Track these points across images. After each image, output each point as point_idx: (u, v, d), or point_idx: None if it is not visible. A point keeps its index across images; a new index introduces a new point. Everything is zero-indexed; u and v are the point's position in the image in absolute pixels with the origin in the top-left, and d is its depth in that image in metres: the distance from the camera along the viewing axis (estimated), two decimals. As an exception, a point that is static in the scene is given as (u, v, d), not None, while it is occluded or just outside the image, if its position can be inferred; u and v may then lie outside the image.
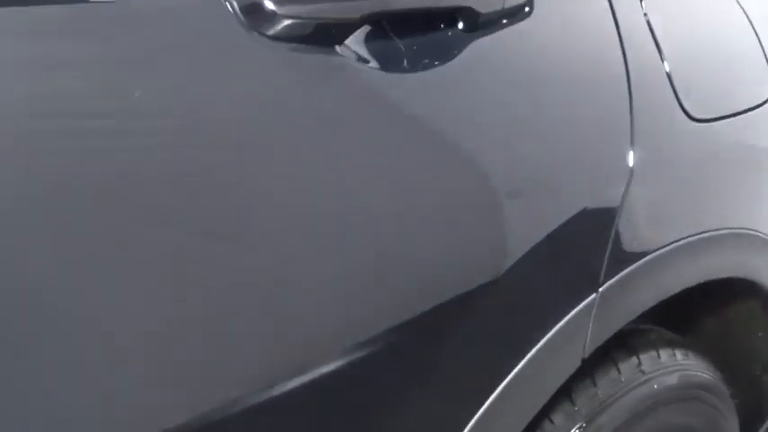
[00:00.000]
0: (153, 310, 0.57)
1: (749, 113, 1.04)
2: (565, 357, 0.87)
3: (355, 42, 0.68)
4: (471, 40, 0.75)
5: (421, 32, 0.73)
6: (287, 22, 0.63)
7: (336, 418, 0.69)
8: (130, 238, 0.55)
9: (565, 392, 0.92)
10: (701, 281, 1.01)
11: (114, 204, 0.55)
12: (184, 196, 0.58)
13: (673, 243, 0.94)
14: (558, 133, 0.82)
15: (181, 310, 0.58)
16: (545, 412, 0.91)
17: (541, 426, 0.92)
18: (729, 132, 1.02)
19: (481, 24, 0.76)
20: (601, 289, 0.87)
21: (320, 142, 0.65)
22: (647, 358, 1.00)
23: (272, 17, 0.63)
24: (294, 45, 0.64)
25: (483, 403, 0.78)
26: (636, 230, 0.90)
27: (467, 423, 0.77)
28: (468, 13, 0.75)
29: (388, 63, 0.69)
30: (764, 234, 1.09)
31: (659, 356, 1.02)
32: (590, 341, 0.89)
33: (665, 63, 0.94)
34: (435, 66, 0.72)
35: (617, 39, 0.89)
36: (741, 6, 1.10)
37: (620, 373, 0.98)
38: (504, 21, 0.79)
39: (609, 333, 0.91)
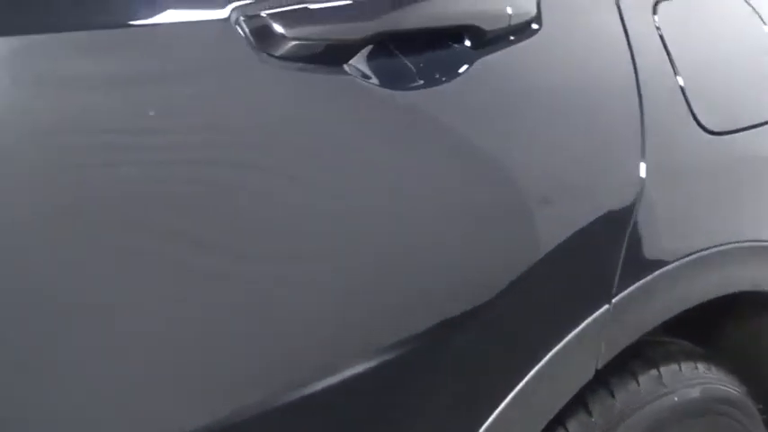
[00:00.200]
0: (156, 313, 0.60)
1: (765, 126, 1.04)
2: (578, 367, 0.87)
3: (362, 61, 0.70)
4: (478, 57, 0.77)
5: (428, 50, 0.75)
6: (294, 43, 0.66)
7: (347, 423, 0.71)
8: (139, 246, 0.59)
9: (581, 403, 0.92)
10: (716, 295, 1.00)
11: (127, 214, 0.59)
12: (197, 211, 0.61)
13: (686, 256, 0.94)
14: (567, 148, 0.83)
15: (183, 311, 0.61)
16: (561, 422, 0.91)
17: (558, 436, 0.93)
18: (744, 145, 1.01)
19: (488, 41, 0.78)
20: (614, 300, 0.88)
21: (329, 158, 0.68)
22: (667, 371, 0.99)
23: (281, 39, 0.66)
24: (302, 65, 0.67)
25: (493, 411, 0.79)
26: (648, 243, 0.90)
27: (477, 430, 0.78)
28: (474, 32, 0.77)
29: (395, 81, 0.72)
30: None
31: (680, 369, 1.01)
32: (604, 352, 0.89)
33: (679, 77, 0.95)
34: (443, 82, 0.74)
35: (628, 53, 0.90)
36: (759, 15, 1.09)
37: (639, 385, 0.97)
38: (512, 38, 0.80)
39: (623, 345, 0.91)
